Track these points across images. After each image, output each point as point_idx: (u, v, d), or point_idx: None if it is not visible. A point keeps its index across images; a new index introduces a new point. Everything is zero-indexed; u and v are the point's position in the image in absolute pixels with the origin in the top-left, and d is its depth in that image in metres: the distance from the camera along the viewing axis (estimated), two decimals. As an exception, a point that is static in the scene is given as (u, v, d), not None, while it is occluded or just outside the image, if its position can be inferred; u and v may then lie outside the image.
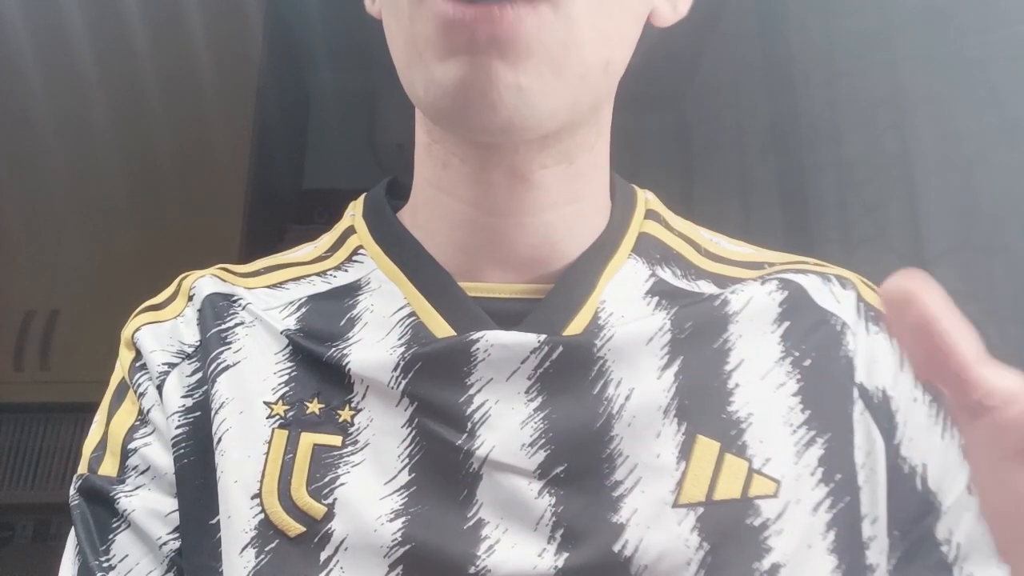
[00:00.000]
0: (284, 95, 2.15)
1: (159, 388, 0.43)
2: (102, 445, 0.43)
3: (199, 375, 0.43)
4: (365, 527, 0.37)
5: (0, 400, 1.74)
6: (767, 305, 0.43)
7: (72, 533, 0.42)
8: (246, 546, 0.38)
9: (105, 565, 0.40)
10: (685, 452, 0.39)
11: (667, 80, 2.12)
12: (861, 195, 1.35)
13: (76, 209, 1.79)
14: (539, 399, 0.39)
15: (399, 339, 0.42)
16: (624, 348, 0.40)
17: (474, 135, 0.40)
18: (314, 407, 0.41)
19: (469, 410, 0.39)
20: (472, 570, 0.36)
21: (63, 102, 1.81)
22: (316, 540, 0.38)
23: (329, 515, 0.38)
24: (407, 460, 0.39)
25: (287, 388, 0.41)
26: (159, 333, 0.45)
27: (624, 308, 0.43)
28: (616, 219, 0.46)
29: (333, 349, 0.42)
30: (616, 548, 0.37)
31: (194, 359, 0.43)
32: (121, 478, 0.42)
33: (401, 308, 0.43)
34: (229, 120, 1.85)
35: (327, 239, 0.49)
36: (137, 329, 0.45)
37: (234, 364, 0.42)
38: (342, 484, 0.39)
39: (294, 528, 0.38)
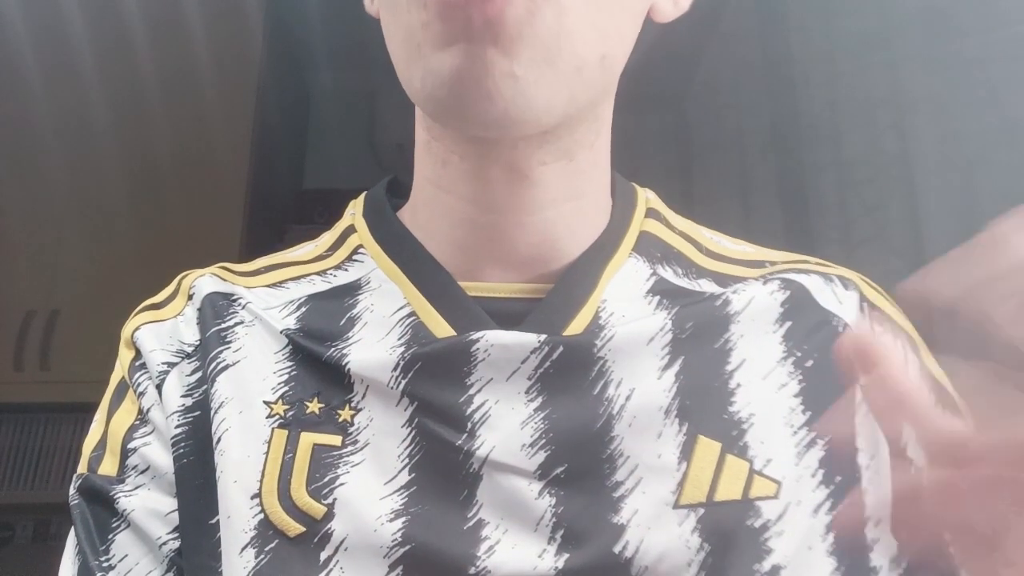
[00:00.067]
0: (284, 95, 2.15)
1: (159, 387, 0.43)
2: (102, 444, 0.43)
3: (199, 374, 0.43)
4: (365, 527, 0.37)
5: (0, 400, 1.74)
6: (769, 305, 0.43)
7: (72, 533, 0.42)
8: (246, 546, 0.38)
9: (105, 565, 0.40)
10: (686, 453, 0.39)
11: (667, 80, 2.12)
12: (861, 195, 1.35)
13: (76, 209, 1.79)
14: (539, 399, 0.39)
15: (399, 339, 0.41)
16: (625, 348, 0.40)
17: (471, 128, 0.40)
18: (314, 407, 0.41)
19: (469, 410, 0.39)
20: (472, 571, 0.36)
21: (63, 102, 1.81)
22: (316, 540, 0.37)
23: (329, 515, 0.38)
24: (407, 460, 0.39)
25: (287, 388, 0.41)
26: (159, 332, 0.44)
27: (625, 308, 0.42)
28: (617, 218, 0.46)
29: (333, 349, 0.41)
30: (617, 549, 0.36)
31: (194, 358, 0.43)
32: (121, 478, 0.42)
33: (401, 308, 0.43)
34: (229, 120, 1.85)
35: (327, 238, 0.49)
36: (137, 328, 0.45)
37: (234, 363, 0.42)
38: (342, 484, 0.39)
39: (294, 528, 0.38)
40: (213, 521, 0.39)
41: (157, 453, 0.42)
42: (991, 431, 0.25)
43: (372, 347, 0.41)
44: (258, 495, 0.39)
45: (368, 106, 2.25)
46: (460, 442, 0.38)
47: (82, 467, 0.43)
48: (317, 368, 0.42)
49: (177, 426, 0.42)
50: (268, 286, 0.46)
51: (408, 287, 0.43)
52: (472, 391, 0.39)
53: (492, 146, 0.41)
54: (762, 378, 0.41)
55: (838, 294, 0.44)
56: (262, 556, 0.37)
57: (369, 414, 0.40)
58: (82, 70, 1.80)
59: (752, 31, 1.87)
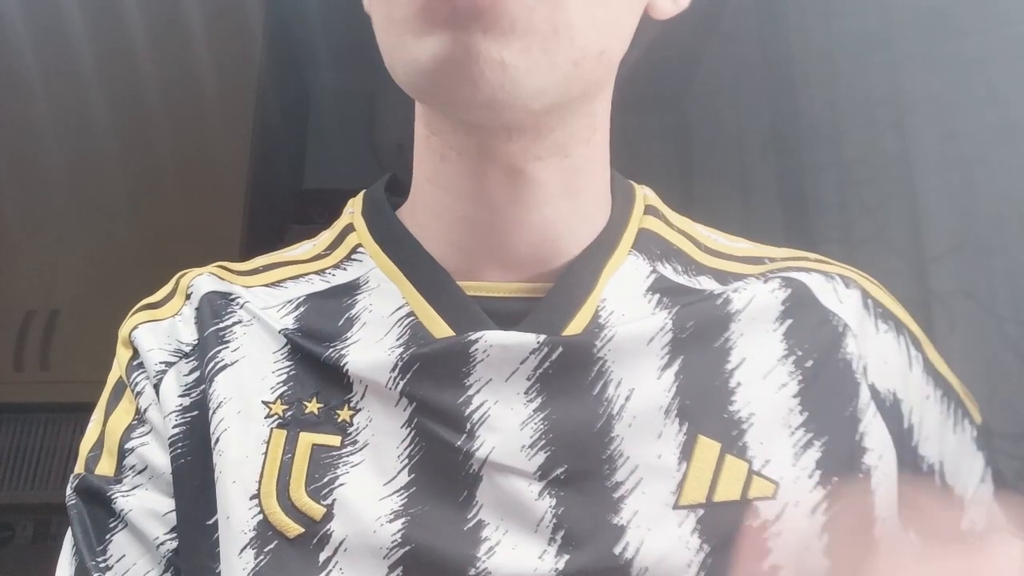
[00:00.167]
0: (284, 95, 2.15)
1: (156, 387, 0.43)
2: (99, 444, 0.43)
3: (197, 374, 0.43)
4: (364, 528, 0.37)
5: (0, 400, 1.74)
6: (770, 303, 0.43)
7: (69, 533, 0.42)
8: (245, 547, 0.38)
9: (102, 565, 0.40)
10: (686, 453, 0.39)
11: (667, 80, 2.12)
12: (861, 195, 1.35)
13: (76, 209, 1.79)
14: (538, 400, 0.39)
15: (397, 339, 0.41)
16: (624, 348, 0.40)
17: (459, 112, 0.39)
18: (313, 407, 0.41)
19: (468, 411, 0.39)
20: (472, 572, 0.36)
21: (63, 102, 1.81)
22: (315, 541, 0.37)
23: (328, 516, 0.38)
24: (407, 461, 0.39)
25: (285, 388, 0.41)
26: (157, 332, 0.44)
27: (625, 306, 0.42)
28: (615, 215, 0.46)
29: (331, 349, 0.41)
30: (617, 550, 0.36)
31: (192, 358, 0.43)
32: (118, 478, 0.42)
33: (400, 308, 0.43)
34: (229, 120, 1.85)
35: (326, 237, 0.49)
36: (134, 328, 0.45)
37: (232, 363, 0.42)
38: (341, 484, 0.39)
39: (293, 529, 0.38)
40: (211, 521, 0.39)
41: (155, 453, 0.42)
42: None
43: (370, 348, 0.41)
44: (257, 496, 0.39)
45: (368, 106, 2.25)
46: (460, 443, 0.38)
47: (79, 467, 0.43)
48: (316, 368, 0.42)
49: (175, 426, 0.42)
50: (266, 285, 0.46)
51: (407, 287, 0.43)
52: (471, 392, 0.39)
53: (488, 138, 0.41)
54: (762, 377, 0.41)
55: (839, 293, 0.44)
56: (261, 557, 0.37)
57: (368, 414, 0.40)
58: (82, 70, 1.80)
59: (752, 31, 1.86)
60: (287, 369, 0.42)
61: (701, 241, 0.48)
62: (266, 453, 0.40)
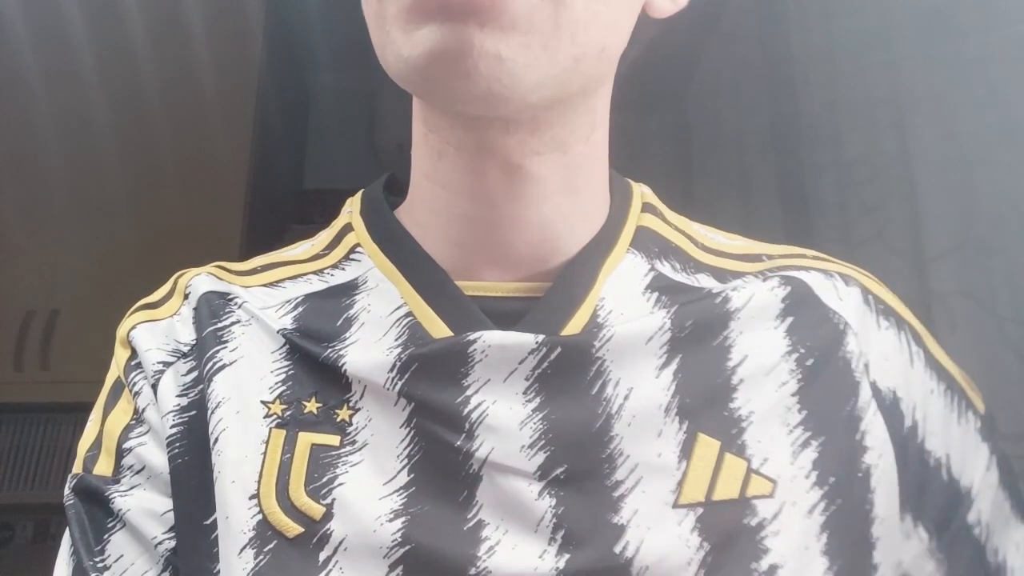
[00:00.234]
0: (284, 95, 2.15)
1: (154, 387, 0.43)
2: (97, 444, 0.43)
3: (195, 374, 0.43)
4: (364, 527, 0.37)
5: (0, 400, 1.74)
6: (769, 301, 0.43)
7: (67, 533, 0.42)
8: (245, 547, 0.38)
9: (100, 565, 0.40)
10: (686, 451, 0.39)
11: (667, 80, 2.12)
12: (861, 195, 1.35)
13: (76, 209, 1.79)
14: (537, 400, 0.39)
15: (396, 340, 0.41)
16: (623, 347, 0.40)
17: (454, 104, 0.39)
18: (312, 406, 0.41)
19: (467, 410, 0.39)
20: (473, 571, 0.36)
21: (63, 102, 1.81)
22: (315, 540, 0.37)
23: (328, 515, 0.38)
24: (406, 460, 0.39)
25: (284, 387, 0.41)
26: (155, 331, 0.44)
27: (623, 305, 0.42)
28: (613, 214, 0.46)
29: (330, 350, 0.41)
30: (617, 549, 0.36)
31: (190, 358, 0.43)
32: (116, 478, 0.42)
33: (398, 308, 0.43)
34: (229, 120, 1.85)
35: (324, 236, 0.49)
36: (132, 327, 0.45)
37: (231, 363, 0.42)
38: (340, 484, 0.39)
39: (292, 529, 0.38)
40: (208, 521, 0.39)
41: (152, 453, 0.42)
42: None
43: (369, 348, 0.41)
44: (256, 495, 0.39)
45: (368, 106, 2.25)
46: (459, 443, 0.38)
47: (77, 467, 0.43)
48: (314, 368, 0.41)
49: (172, 426, 0.41)
50: (264, 285, 0.46)
51: (405, 287, 0.43)
52: (469, 392, 0.39)
53: (485, 132, 0.41)
54: (764, 374, 0.41)
55: (839, 290, 0.44)
56: (261, 557, 0.37)
57: (367, 414, 0.40)
58: (82, 70, 1.80)
59: (752, 31, 1.86)
60: (286, 369, 0.42)
61: (698, 239, 0.47)
62: (265, 453, 0.40)
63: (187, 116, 1.82)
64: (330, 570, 0.37)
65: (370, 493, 0.38)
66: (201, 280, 0.46)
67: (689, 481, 0.38)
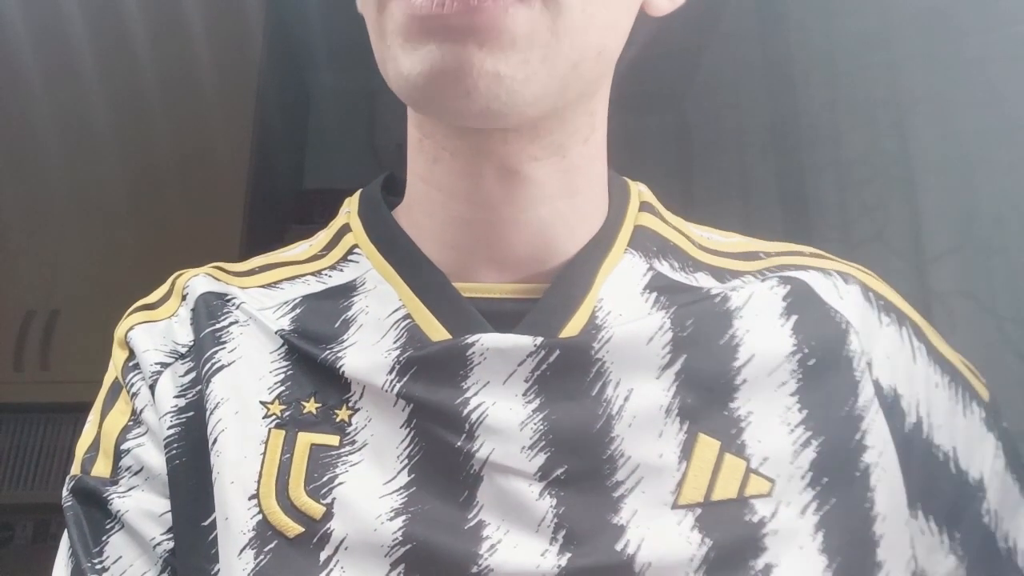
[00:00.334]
0: (284, 95, 2.15)
1: (152, 388, 0.43)
2: (95, 446, 0.43)
3: (193, 375, 0.43)
4: (365, 526, 0.37)
5: (0, 400, 1.74)
6: (770, 300, 0.43)
7: (65, 535, 0.42)
8: (245, 547, 0.38)
9: (98, 567, 0.40)
10: (687, 451, 0.39)
11: (667, 80, 2.12)
12: (861, 195, 1.35)
13: (76, 209, 1.79)
14: (537, 401, 0.39)
15: (394, 342, 0.41)
16: (623, 348, 0.40)
17: (453, 120, 0.39)
18: (311, 407, 0.41)
19: (466, 411, 0.39)
20: (475, 569, 0.36)
21: (63, 102, 1.81)
22: (315, 540, 0.37)
23: (328, 515, 0.38)
24: (406, 460, 0.39)
25: (283, 388, 0.41)
26: (153, 332, 0.44)
27: (622, 305, 0.42)
28: (611, 214, 0.46)
29: (328, 351, 0.41)
30: (618, 547, 0.36)
31: (188, 359, 0.43)
32: (114, 479, 0.42)
33: (396, 310, 0.42)
34: (229, 120, 1.85)
35: (322, 237, 0.49)
36: (130, 328, 0.45)
37: (229, 364, 0.42)
38: (340, 483, 0.38)
39: (293, 528, 0.38)
40: (206, 522, 0.39)
41: (150, 454, 0.42)
42: None
43: (367, 350, 0.41)
44: (256, 496, 0.39)
45: (368, 106, 2.25)
46: (459, 443, 0.38)
47: (75, 468, 0.43)
48: (313, 368, 0.41)
49: (170, 427, 0.41)
50: (262, 286, 0.46)
51: (403, 289, 0.43)
52: (469, 394, 0.39)
53: (483, 140, 0.41)
54: (768, 374, 0.41)
55: (839, 289, 0.44)
56: (262, 557, 0.37)
57: (367, 414, 0.40)
58: (82, 70, 1.80)
59: (752, 31, 1.87)
60: (284, 369, 0.42)
61: (696, 239, 0.47)
62: (264, 453, 0.40)
63: (187, 116, 1.82)
64: (331, 569, 0.37)
65: (370, 492, 0.38)
66: (199, 281, 0.46)
67: (689, 482, 0.38)
